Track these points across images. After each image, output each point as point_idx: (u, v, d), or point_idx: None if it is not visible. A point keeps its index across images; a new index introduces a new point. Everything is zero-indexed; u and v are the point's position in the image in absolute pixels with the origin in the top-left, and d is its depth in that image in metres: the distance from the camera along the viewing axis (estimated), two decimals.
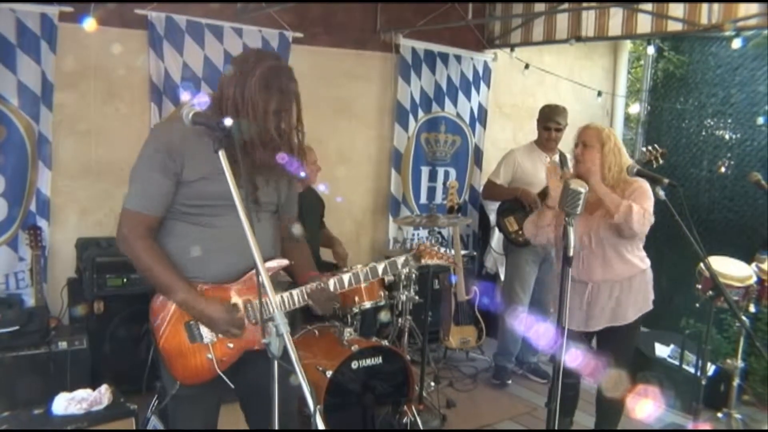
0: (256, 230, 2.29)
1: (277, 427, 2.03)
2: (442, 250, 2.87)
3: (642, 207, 3.41)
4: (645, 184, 3.46)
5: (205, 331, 2.46)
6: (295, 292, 2.55)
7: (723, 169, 6.24)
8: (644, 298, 3.71)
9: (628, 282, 3.65)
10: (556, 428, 2.76)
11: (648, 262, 3.73)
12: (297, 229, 2.56)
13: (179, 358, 2.47)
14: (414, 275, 4.73)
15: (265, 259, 2.42)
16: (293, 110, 2.48)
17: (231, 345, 2.48)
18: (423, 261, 2.79)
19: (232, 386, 2.51)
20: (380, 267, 2.69)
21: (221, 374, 2.47)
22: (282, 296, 2.53)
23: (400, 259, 2.70)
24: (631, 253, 3.65)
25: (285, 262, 2.57)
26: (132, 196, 2.43)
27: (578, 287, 3.64)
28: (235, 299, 2.49)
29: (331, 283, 2.59)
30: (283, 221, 2.72)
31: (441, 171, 6.44)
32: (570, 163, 5.12)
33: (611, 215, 3.46)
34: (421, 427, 4.14)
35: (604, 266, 3.62)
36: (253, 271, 2.46)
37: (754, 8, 4.63)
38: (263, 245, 2.40)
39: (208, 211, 2.43)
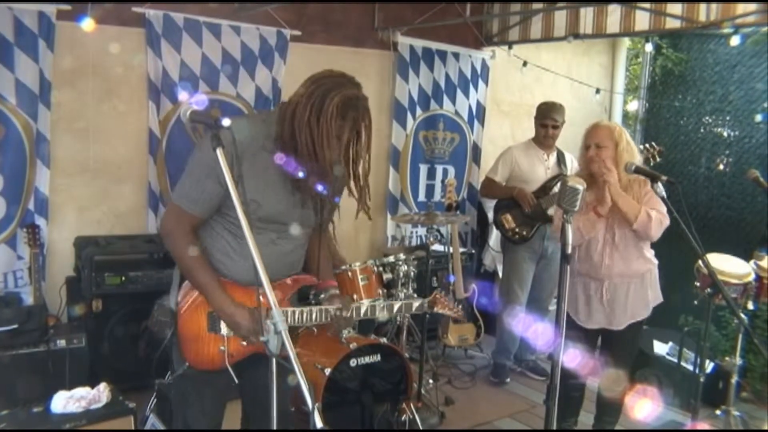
0: (291, 247, 2.56)
1: (275, 426, 2.04)
2: (453, 303, 3.16)
3: (658, 211, 3.45)
4: None
5: (224, 324, 2.51)
6: (315, 310, 2.62)
7: (721, 167, 6.25)
8: (654, 293, 3.76)
9: (640, 279, 3.68)
10: (555, 426, 2.76)
11: (655, 259, 3.76)
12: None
13: (194, 343, 2.52)
14: (413, 273, 4.73)
15: (293, 273, 2.63)
16: (363, 141, 2.48)
17: (245, 343, 2.53)
18: (435, 309, 3.05)
19: (236, 381, 2.54)
20: (396, 305, 2.86)
21: (228, 368, 2.50)
22: (303, 311, 2.59)
23: (415, 303, 2.91)
24: (647, 250, 3.70)
25: (311, 279, 2.70)
26: (182, 193, 2.46)
27: (593, 285, 3.65)
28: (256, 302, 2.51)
29: (349, 312, 2.66)
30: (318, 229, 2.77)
31: (439, 169, 6.44)
32: (570, 162, 5.15)
33: (629, 222, 3.49)
34: (420, 425, 4.14)
35: (625, 262, 3.63)
36: (281, 282, 2.56)
37: (752, 5, 4.63)
38: (293, 260, 2.62)
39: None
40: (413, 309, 2.91)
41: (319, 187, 2.61)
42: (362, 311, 2.72)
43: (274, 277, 2.52)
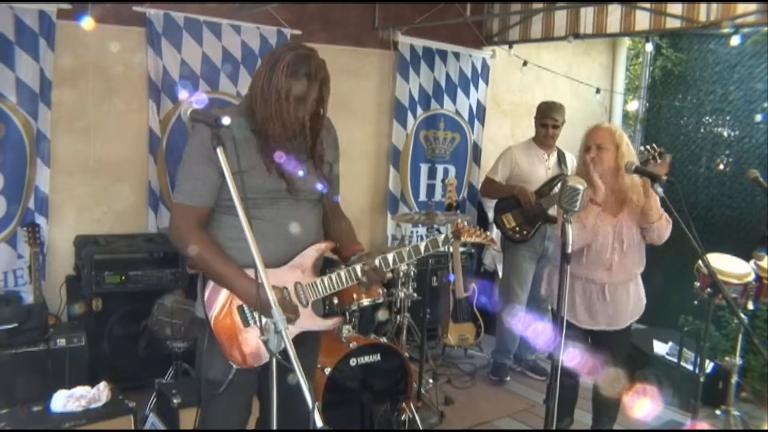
0: (299, 218, 2.53)
1: (275, 426, 2.04)
2: (477, 227, 2.90)
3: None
4: None
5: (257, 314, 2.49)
6: (342, 272, 2.59)
7: (721, 166, 6.25)
8: (641, 290, 3.79)
9: (636, 279, 3.72)
10: (554, 425, 2.76)
11: None
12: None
13: (235, 342, 2.50)
14: (413, 272, 4.73)
15: (311, 244, 2.58)
16: (320, 98, 2.51)
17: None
18: (462, 239, 2.81)
19: (288, 365, 2.51)
20: (422, 245, 2.69)
21: (277, 356, 2.45)
22: (330, 277, 2.58)
23: (441, 237, 2.72)
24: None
25: (330, 244, 2.66)
26: (181, 190, 2.49)
27: (594, 288, 3.65)
28: (285, 282, 2.51)
29: (377, 261, 2.61)
30: (326, 200, 2.76)
31: (440, 168, 6.44)
32: (571, 162, 5.15)
33: (648, 219, 3.50)
34: (420, 425, 4.14)
35: (630, 267, 3.64)
36: (300, 255, 2.56)
37: (752, 5, 4.63)
38: (308, 232, 2.58)
39: (253, 203, 2.44)
40: (440, 245, 2.73)
41: (319, 186, 2.62)
42: (390, 260, 2.63)
43: (293, 250, 2.55)
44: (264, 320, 1.94)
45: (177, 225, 2.51)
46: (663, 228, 3.50)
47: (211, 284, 2.52)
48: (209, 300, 2.52)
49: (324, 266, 2.84)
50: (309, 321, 2.58)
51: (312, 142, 2.56)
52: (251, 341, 2.50)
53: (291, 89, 2.41)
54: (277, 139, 2.46)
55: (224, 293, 2.50)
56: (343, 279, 2.59)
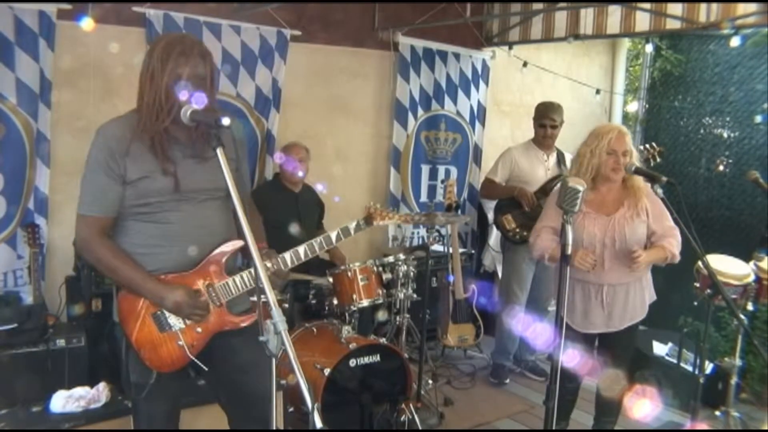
0: (205, 219, 2.50)
1: (275, 426, 2.04)
2: (395, 210, 2.97)
3: (673, 228, 3.52)
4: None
5: (173, 319, 2.50)
6: (245, 273, 2.58)
7: (721, 168, 6.25)
8: (649, 293, 3.78)
9: (638, 282, 3.67)
10: (553, 426, 2.76)
11: None
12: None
13: (152, 349, 2.51)
14: (412, 273, 4.73)
15: (221, 243, 2.55)
16: (203, 74, 2.45)
17: (200, 330, 2.53)
18: (375, 223, 2.89)
19: (206, 369, 2.55)
20: (333, 235, 2.78)
21: (194, 359, 2.51)
22: (242, 275, 2.57)
23: (352, 224, 2.80)
24: None
25: (240, 243, 2.60)
26: (83, 202, 2.48)
27: (593, 289, 3.64)
28: (197, 285, 2.52)
29: (288, 258, 2.63)
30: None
31: (442, 169, 6.44)
32: (570, 163, 5.14)
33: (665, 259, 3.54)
34: (419, 425, 4.14)
35: (625, 268, 3.61)
36: (210, 256, 2.54)
37: (752, 6, 4.64)
38: (216, 232, 2.55)
39: (157, 207, 2.46)
40: (351, 232, 2.79)
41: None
42: (301, 253, 2.65)
43: (203, 251, 2.53)
44: (267, 322, 1.93)
45: (83, 237, 2.49)
46: (675, 257, 3.53)
47: (123, 292, 2.51)
48: (122, 307, 2.52)
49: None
50: (225, 319, 2.57)
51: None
52: (166, 347, 2.51)
53: (172, 71, 2.41)
54: (169, 131, 2.46)
55: (136, 300, 2.49)
56: (246, 281, 2.58)
